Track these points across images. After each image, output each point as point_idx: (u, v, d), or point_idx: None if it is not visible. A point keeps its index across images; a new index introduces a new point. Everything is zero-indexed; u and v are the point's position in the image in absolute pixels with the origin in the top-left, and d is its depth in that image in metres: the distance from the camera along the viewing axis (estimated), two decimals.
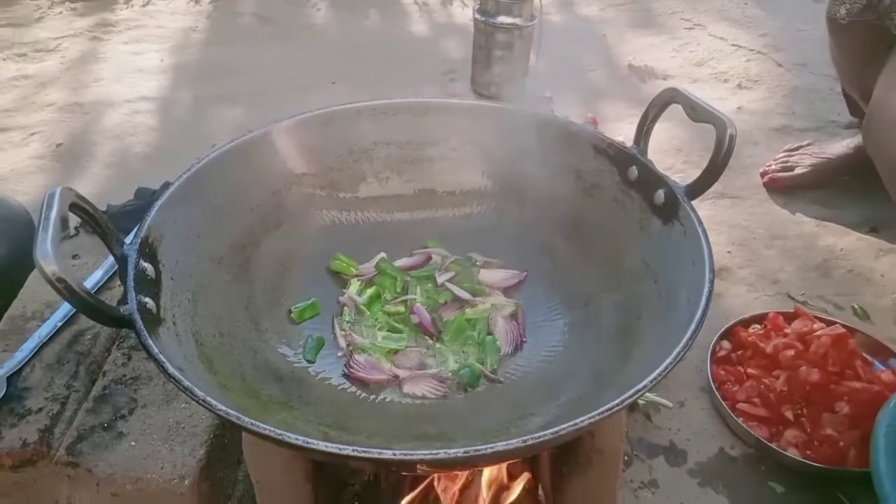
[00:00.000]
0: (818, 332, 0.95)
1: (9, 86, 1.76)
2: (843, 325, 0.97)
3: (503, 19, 1.53)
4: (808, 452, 0.85)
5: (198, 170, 0.61)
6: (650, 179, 0.63)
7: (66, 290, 0.43)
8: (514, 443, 0.40)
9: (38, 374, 0.75)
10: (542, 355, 0.61)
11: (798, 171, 1.30)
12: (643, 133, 0.66)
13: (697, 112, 0.60)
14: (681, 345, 0.46)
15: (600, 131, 0.74)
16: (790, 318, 1.00)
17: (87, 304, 0.44)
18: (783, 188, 1.30)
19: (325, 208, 0.69)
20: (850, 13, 1.03)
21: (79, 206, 0.49)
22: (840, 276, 1.15)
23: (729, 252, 1.20)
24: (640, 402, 0.91)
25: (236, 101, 1.66)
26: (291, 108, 0.65)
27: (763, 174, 1.34)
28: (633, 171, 0.65)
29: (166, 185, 1.11)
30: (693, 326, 0.48)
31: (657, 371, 0.44)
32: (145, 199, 1.24)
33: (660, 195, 0.62)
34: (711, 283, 0.51)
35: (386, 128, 0.69)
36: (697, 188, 0.59)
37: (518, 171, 0.71)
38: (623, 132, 1.47)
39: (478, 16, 1.56)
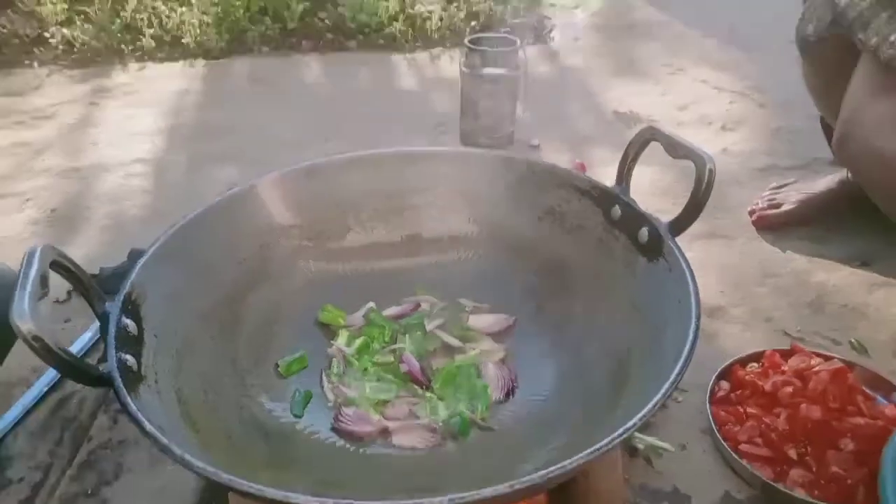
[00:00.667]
0: (816, 368, 0.94)
1: (6, 154, 1.79)
2: (842, 360, 0.96)
3: (489, 71, 1.57)
4: (816, 492, 0.82)
5: (182, 226, 0.61)
6: (633, 218, 0.64)
7: (42, 349, 0.42)
8: (502, 488, 0.39)
9: (21, 442, 0.74)
10: (534, 400, 0.60)
11: (785, 207, 1.31)
12: (625, 172, 0.67)
13: (676, 149, 0.61)
14: (668, 383, 0.46)
15: (583, 173, 0.75)
16: (787, 354, 0.99)
17: (65, 363, 0.44)
18: (771, 225, 1.31)
19: (312, 259, 0.69)
20: (818, 30, 1.05)
21: (60, 264, 0.49)
22: (834, 311, 1.14)
23: (722, 292, 1.19)
24: (640, 446, 0.89)
25: (230, 161, 1.69)
26: (285, 166, 0.66)
27: (751, 212, 1.35)
28: (617, 211, 0.66)
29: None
30: (680, 364, 0.47)
31: (643, 411, 0.43)
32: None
33: (643, 233, 0.62)
34: (698, 318, 0.51)
35: (371, 178, 0.70)
36: (681, 224, 0.60)
37: (503, 216, 0.71)
38: (611, 176, 1.49)
39: (464, 68, 1.59)
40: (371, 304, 0.67)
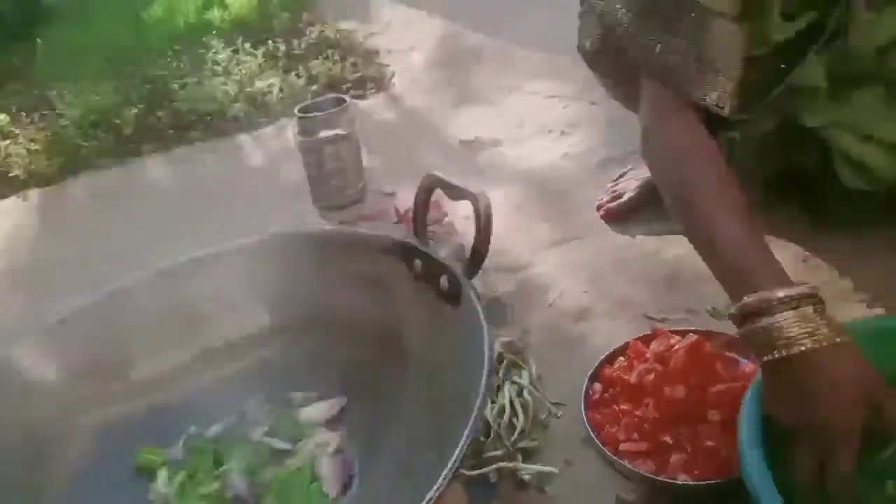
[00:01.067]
0: (676, 347, 0.97)
1: None
2: (698, 332, 1.00)
3: (324, 133, 1.57)
4: (696, 472, 0.84)
5: None
6: (433, 268, 0.64)
7: None
8: None
9: None
10: (372, 486, 0.58)
11: (627, 195, 1.37)
12: (419, 222, 0.67)
13: (454, 192, 0.62)
14: (462, 440, 0.45)
15: (386, 233, 0.75)
16: (649, 340, 1.02)
17: None
18: (618, 216, 1.36)
19: (116, 402, 0.65)
20: (594, 44, 1.11)
21: None
22: (689, 284, 1.19)
23: (585, 292, 1.22)
24: (527, 477, 0.89)
25: (80, 291, 1.59)
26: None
27: (598, 208, 1.39)
28: (418, 264, 0.66)
29: None
30: (475, 412, 0.47)
31: (440, 480, 0.42)
32: None
33: (444, 281, 0.63)
34: (490, 361, 0.51)
35: (163, 296, 0.67)
36: (473, 265, 0.60)
37: (314, 296, 0.70)
38: (464, 206, 1.51)
39: (299, 137, 1.59)
40: (192, 429, 0.64)
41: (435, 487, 0.42)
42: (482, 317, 0.55)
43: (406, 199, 1.60)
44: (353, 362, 0.67)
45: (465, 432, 0.46)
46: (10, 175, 2.10)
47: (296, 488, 0.58)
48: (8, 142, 2.23)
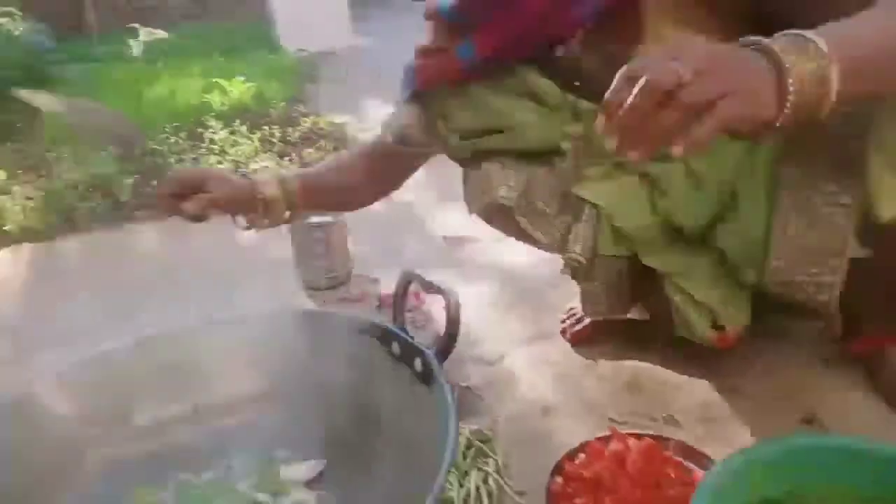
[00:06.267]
0: (632, 449, 1.04)
1: None
2: (654, 437, 1.07)
3: (315, 219, 1.66)
4: None
5: None
6: (409, 351, 0.71)
7: None
8: None
9: None
10: None
11: (587, 319, 1.40)
12: (398, 310, 0.75)
13: (429, 287, 0.70)
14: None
15: (367, 318, 0.83)
16: (607, 440, 1.08)
17: None
18: (584, 340, 1.40)
19: (114, 445, 0.70)
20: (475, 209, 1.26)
21: None
22: (648, 390, 1.27)
23: (553, 390, 1.29)
24: None
25: (60, 346, 1.62)
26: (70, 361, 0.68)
27: (562, 332, 1.43)
28: (396, 347, 0.73)
29: None
30: (436, 487, 0.53)
31: None
32: None
33: (418, 363, 0.70)
34: (455, 437, 0.58)
35: (162, 357, 0.74)
36: (444, 351, 0.68)
37: (301, 367, 0.77)
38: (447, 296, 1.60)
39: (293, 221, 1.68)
40: (183, 476, 0.68)
41: None
42: (449, 398, 0.62)
43: (389, 286, 1.69)
44: (334, 429, 0.72)
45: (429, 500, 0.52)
46: (5, 228, 2.15)
47: None
48: (4, 197, 2.29)
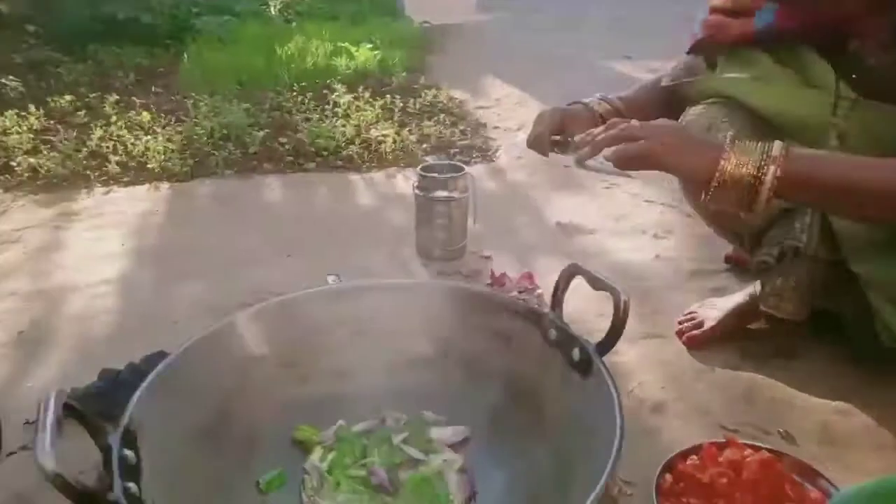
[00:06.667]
0: (748, 460, 1.04)
1: None
2: (770, 451, 1.06)
3: (440, 193, 1.71)
4: None
5: (170, 362, 0.69)
6: (567, 340, 0.74)
7: (62, 485, 0.49)
8: None
9: None
10: None
11: (708, 324, 1.41)
12: (557, 301, 0.78)
13: (596, 283, 0.72)
14: (596, 490, 0.54)
15: (533, 300, 0.86)
16: (723, 447, 1.09)
17: (82, 496, 0.50)
18: (700, 344, 1.40)
19: (286, 384, 0.77)
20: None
21: (70, 406, 0.56)
22: (764, 404, 1.25)
23: (663, 388, 1.30)
24: None
25: (195, 278, 1.75)
26: (249, 283, 0.75)
27: (679, 334, 1.43)
28: (553, 333, 0.76)
29: (131, 366, 1.17)
30: (607, 470, 0.56)
31: None
32: (109, 380, 1.28)
33: (576, 353, 0.72)
34: (622, 428, 0.60)
35: (337, 308, 0.80)
36: (606, 345, 0.70)
37: (457, 338, 0.81)
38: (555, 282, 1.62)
39: (417, 191, 1.74)
40: (341, 422, 0.74)
41: None
42: (614, 390, 0.65)
43: (500, 265, 1.73)
44: (482, 401, 0.77)
45: (594, 492, 0.55)
46: (148, 166, 2.33)
47: (427, 491, 0.68)
48: (148, 137, 2.47)
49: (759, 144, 0.91)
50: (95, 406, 0.60)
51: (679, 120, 1.25)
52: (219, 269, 1.78)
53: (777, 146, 0.91)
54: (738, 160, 0.89)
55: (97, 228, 2.11)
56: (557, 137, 1.28)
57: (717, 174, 0.89)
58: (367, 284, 0.81)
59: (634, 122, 0.96)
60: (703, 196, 0.93)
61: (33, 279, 1.81)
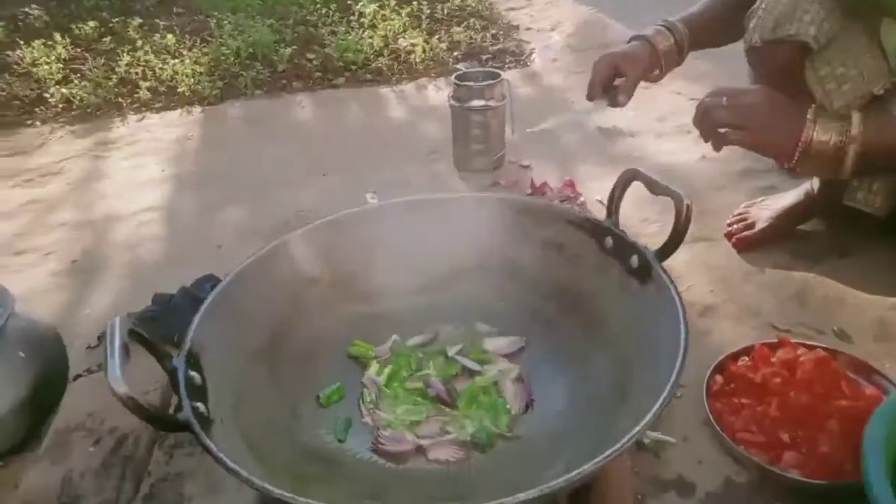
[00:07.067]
0: (802, 358, 1.03)
1: (22, 211, 1.86)
2: (825, 349, 1.05)
3: (476, 103, 1.66)
4: (808, 472, 0.91)
5: (225, 286, 0.70)
6: (624, 247, 0.72)
7: (134, 406, 0.50)
8: (533, 492, 0.48)
9: (87, 481, 0.81)
10: (550, 412, 0.68)
11: (759, 225, 1.36)
12: (613, 208, 0.75)
13: (656, 188, 0.69)
14: (665, 393, 0.54)
15: (576, 209, 0.84)
16: (775, 347, 1.07)
17: (154, 417, 0.52)
18: (750, 246, 1.35)
19: (339, 302, 0.77)
20: (763, 34, 1.14)
21: (133, 332, 0.57)
22: (817, 303, 1.23)
23: (712, 291, 1.28)
24: (647, 441, 0.97)
25: (236, 202, 1.77)
26: (288, 203, 0.74)
27: (728, 236, 1.39)
28: (609, 241, 0.74)
29: (183, 289, 1.19)
30: (674, 375, 0.55)
31: (647, 418, 0.52)
32: (163, 304, 1.33)
33: (634, 260, 0.70)
34: (686, 333, 0.59)
35: (386, 225, 0.79)
36: (666, 252, 0.68)
37: (509, 250, 0.80)
38: (598, 189, 1.58)
39: (452, 102, 1.69)
40: (395, 337, 0.75)
41: (626, 437, 0.51)
42: (676, 295, 0.63)
43: (540, 174, 1.69)
44: (536, 312, 0.76)
45: (663, 395, 0.54)
46: (178, 90, 2.31)
47: (484, 400, 0.69)
48: (175, 61, 2.44)
49: (839, 125, 0.96)
50: (152, 330, 0.61)
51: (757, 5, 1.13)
52: (257, 191, 1.78)
53: (856, 122, 0.95)
54: (819, 139, 0.96)
55: (135, 156, 2.12)
56: (618, 81, 1.27)
57: (799, 153, 0.96)
58: (415, 200, 0.79)
59: (714, 100, 1.00)
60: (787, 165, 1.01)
61: (80, 209, 1.85)
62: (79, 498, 0.79)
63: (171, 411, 0.54)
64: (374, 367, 0.73)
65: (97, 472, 0.82)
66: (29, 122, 2.39)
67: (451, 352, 0.74)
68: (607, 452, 0.50)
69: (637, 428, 0.51)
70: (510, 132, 1.73)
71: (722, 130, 1.02)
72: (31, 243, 1.71)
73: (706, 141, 1.06)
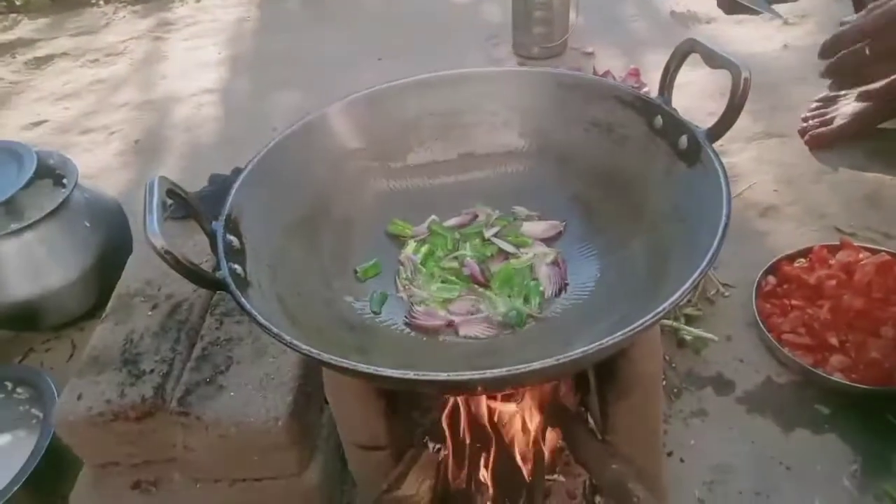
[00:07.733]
0: (863, 262, 0.97)
1: (87, 91, 1.92)
2: (890, 253, 0.99)
3: None
4: (854, 376, 0.88)
5: (265, 154, 0.70)
6: (674, 126, 0.67)
7: (172, 260, 0.52)
8: (549, 361, 0.48)
9: (147, 341, 0.87)
10: (583, 295, 0.67)
11: (837, 123, 1.25)
12: (667, 83, 0.70)
13: (714, 59, 0.63)
14: (701, 267, 0.52)
15: (627, 85, 0.78)
16: (835, 250, 1.02)
17: (190, 272, 0.53)
18: (827, 145, 1.25)
19: (378, 178, 0.76)
20: None
21: (173, 192, 0.58)
22: (890, 206, 1.15)
23: (776, 190, 1.21)
24: (688, 337, 0.96)
25: (291, 85, 1.76)
26: (343, 87, 0.73)
27: (802, 133, 1.28)
28: (659, 120, 0.69)
29: (237, 170, 1.22)
30: (711, 251, 0.53)
31: (675, 296, 0.50)
32: (218, 184, 1.36)
33: (683, 141, 0.66)
34: (728, 214, 0.56)
35: (427, 100, 0.76)
36: (717, 131, 0.63)
37: (552, 129, 0.76)
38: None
39: None
40: (433, 217, 0.74)
41: (654, 312, 0.49)
42: (722, 177, 0.59)
43: (604, 62, 1.60)
44: (576, 195, 0.74)
45: (696, 274, 0.52)
46: None
47: (519, 280, 0.69)
48: None
49: None
50: (207, 208, 0.63)
51: None
52: (313, 74, 1.77)
53: None
54: None
55: (194, 38, 2.12)
56: None
57: None
58: (457, 74, 0.75)
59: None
60: None
61: (141, 90, 1.88)
62: (140, 355, 0.85)
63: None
64: (410, 246, 0.73)
65: (155, 333, 0.88)
66: (93, 1, 2.40)
67: (488, 233, 0.73)
68: (638, 322, 0.49)
69: (660, 308, 0.50)
70: (574, 16, 1.63)
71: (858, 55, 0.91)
72: (98, 122, 1.77)
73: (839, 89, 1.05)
